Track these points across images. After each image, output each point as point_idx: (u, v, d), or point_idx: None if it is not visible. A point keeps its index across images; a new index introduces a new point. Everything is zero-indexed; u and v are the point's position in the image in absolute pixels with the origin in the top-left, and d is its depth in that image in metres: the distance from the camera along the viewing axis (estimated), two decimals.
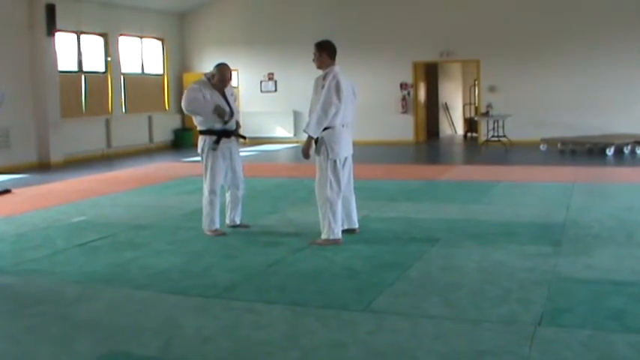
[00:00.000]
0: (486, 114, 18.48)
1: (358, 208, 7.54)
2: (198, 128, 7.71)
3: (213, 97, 7.56)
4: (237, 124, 7.88)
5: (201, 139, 7.67)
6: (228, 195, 7.90)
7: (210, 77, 7.73)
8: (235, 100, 7.96)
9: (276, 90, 21.17)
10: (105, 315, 4.98)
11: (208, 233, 7.60)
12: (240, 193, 7.89)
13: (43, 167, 15.81)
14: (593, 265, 5.99)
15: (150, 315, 4.95)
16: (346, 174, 7.19)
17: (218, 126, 7.59)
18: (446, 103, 23.84)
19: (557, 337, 4.27)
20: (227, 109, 7.60)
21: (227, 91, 7.78)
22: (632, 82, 17.65)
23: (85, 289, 5.68)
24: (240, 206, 7.94)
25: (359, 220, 7.52)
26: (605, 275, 5.65)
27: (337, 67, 7.01)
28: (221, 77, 7.68)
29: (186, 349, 4.29)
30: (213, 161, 7.58)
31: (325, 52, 7.03)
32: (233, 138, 7.75)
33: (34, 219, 8.88)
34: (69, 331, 4.64)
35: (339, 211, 7.03)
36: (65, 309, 5.14)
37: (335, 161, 6.97)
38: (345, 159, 7.16)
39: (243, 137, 8.00)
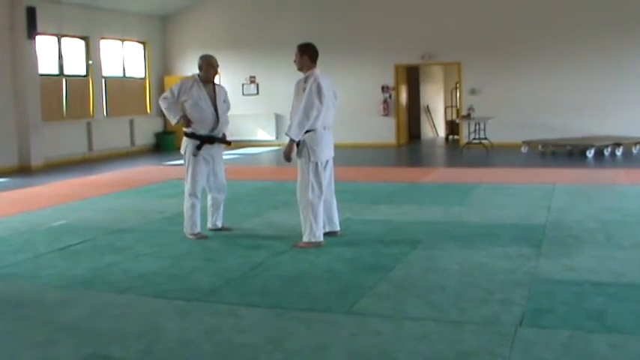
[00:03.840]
0: (468, 116, 18.54)
1: (340, 211, 7.56)
2: (183, 129, 7.69)
3: (200, 95, 7.53)
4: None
5: (184, 141, 7.65)
6: (209, 198, 7.87)
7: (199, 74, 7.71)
8: (225, 101, 7.89)
9: (257, 93, 21.15)
10: (86, 319, 4.96)
11: (190, 237, 7.58)
12: (222, 196, 7.88)
13: (23, 171, 15.71)
14: (574, 266, 6.03)
15: (131, 319, 4.94)
16: (327, 177, 7.20)
17: (202, 131, 7.56)
18: (427, 106, 23.90)
19: (537, 338, 4.29)
20: (210, 115, 7.57)
21: (219, 92, 7.74)
22: (612, 84, 17.77)
23: (67, 293, 5.66)
24: (221, 210, 7.92)
25: (341, 223, 7.53)
26: (586, 276, 5.69)
27: (318, 70, 7.03)
28: (207, 67, 7.66)
29: (168, 352, 4.28)
30: (194, 165, 7.56)
31: (306, 55, 7.05)
32: (217, 144, 7.73)
33: (14, 223, 8.83)
34: (50, 334, 4.62)
35: (321, 214, 7.04)
36: (46, 313, 5.12)
37: (317, 164, 6.98)
38: (327, 162, 7.17)
39: (228, 143, 7.95)
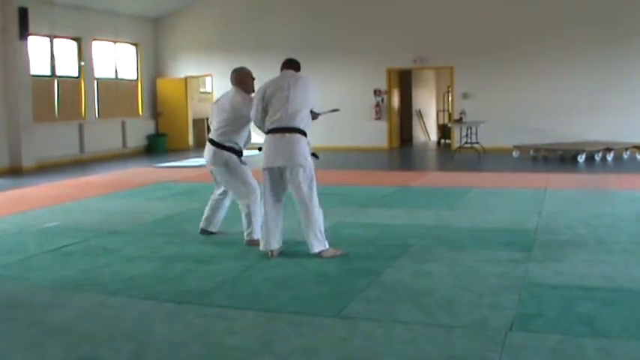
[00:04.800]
0: (459, 120, 18.58)
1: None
2: (228, 144, 7.33)
3: None
4: None
5: (226, 154, 7.32)
6: (216, 200, 7.77)
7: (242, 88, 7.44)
8: None
9: None
10: (77, 320, 4.95)
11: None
12: (228, 202, 7.80)
13: (14, 172, 15.68)
14: (564, 270, 6.04)
15: (122, 321, 4.93)
16: (294, 189, 6.66)
17: (241, 144, 7.44)
18: (419, 110, 23.94)
19: (527, 342, 4.31)
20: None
21: None
22: (603, 89, 17.82)
23: (57, 294, 5.65)
24: (220, 214, 7.84)
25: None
26: (576, 281, 5.71)
27: (283, 73, 6.92)
28: (247, 78, 7.46)
29: (158, 354, 4.28)
30: (246, 171, 7.35)
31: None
32: None
33: (5, 224, 8.80)
34: (40, 336, 4.61)
35: (269, 222, 6.73)
36: (37, 314, 5.11)
37: (264, 169, 6.74)
38: (280, 170, 6.67)
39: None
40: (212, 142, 7.41)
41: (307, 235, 6.69)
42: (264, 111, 6.73)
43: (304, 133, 6.66)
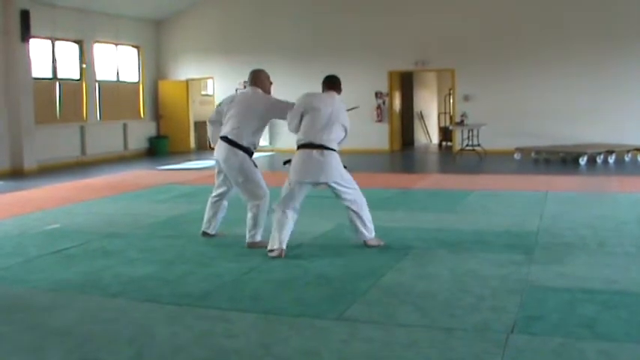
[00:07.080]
0: (461, 123, 18.58)
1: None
2: (245, 145, 7.27)
3: None
4: None
5: (241, 154, 7.26)
6: (215, 205, 7.79)
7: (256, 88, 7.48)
8: None
9: None
10: (77, 323, 4.94)
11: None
12: (226, 203, 7.80)
13: (16, 174, 15.68)
14: (566, 273, 6.03)
15: (122, 323, 4.92)
16: (341, 198, 7.03)
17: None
18: (421, 112, 23.94)
19: (529, 345, 4.30)
20: None
21: None
22: (605, 92, 17.82)
23: (58, 297, 5.64)
24: (219, 216, 7.85)
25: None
26: (577, 283, 5.69)
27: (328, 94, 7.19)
28: (267, 81, 7.53)
29: (158, 357, 4.27)
30: (258, 174, 7.35)
31: None
32: None
33: (6, 226, 8.80)
34: (41, 339, 4.60)
35: (279, 225, 6.90)
36: (37, 317, 5.10)
37: (290, 181, 6.92)
38: (313, 184, 6.98)
39: None
40: (227, 140, 7.30)
41: (356, 226, 7.12)
42: (300, 120, 6.97)
43: (335, 150, 7.03)
